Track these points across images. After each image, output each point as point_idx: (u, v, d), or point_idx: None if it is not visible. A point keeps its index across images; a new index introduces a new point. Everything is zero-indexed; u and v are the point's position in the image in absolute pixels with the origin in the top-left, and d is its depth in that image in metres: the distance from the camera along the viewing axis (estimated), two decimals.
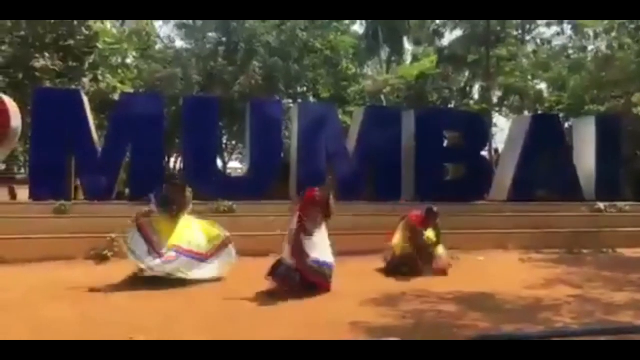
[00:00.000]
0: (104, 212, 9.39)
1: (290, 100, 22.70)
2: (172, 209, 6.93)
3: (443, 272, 7.53)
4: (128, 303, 5.69)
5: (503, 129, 24.65)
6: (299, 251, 6.19)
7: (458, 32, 24.97)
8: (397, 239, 7.75)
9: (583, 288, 6.67)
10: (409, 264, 7.49)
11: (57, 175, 10.28)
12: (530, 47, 23.62)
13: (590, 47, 19.35)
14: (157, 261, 6.52)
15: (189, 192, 7.23)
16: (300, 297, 5.99)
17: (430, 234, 7.81)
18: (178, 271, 6.56)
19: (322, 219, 6.49)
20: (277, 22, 20.94)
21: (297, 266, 6.17)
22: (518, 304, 5.80)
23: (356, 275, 7.20)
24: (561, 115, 18.11)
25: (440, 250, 7.79)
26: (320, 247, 6.33)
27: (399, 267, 7.48)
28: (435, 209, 7.94)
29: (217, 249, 6.92)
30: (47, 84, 14.67)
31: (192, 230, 6.93)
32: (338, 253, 7.39)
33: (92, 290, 6.22)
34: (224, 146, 23.64)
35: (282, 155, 12.25)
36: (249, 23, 20.90)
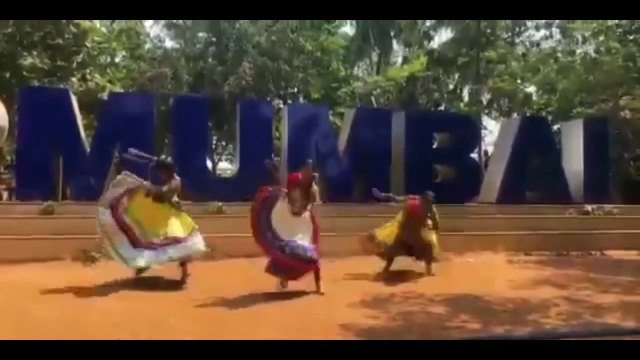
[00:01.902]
0: (91, 213, 9.26)
1: (281, 101, 22.69)
2: (158, 189, 6.57)
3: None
4: (116, 304, 5.62)
5: (492, 131, 24.83)
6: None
7: (448, 34, 25.08)
8: (389, 227, 7.76)
9: (571, 290, 6.70)
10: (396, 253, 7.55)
11: (44, 175, 10.18)
12: (519, 50, 23.75)
13: (578, 51, 19.48)
14: (149, 253, 6.37)
15: (177, 179, 6.74)
16: (289, 299, 5.96)
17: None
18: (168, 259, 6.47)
19: (304, 202, 6.26)
20: (267, 22, 20.91)
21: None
22: (506, 306, 5.81)
23: (345, 277, 7.20)
24: (550, 117, 18.24)
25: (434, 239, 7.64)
26: (299, 231, 6.21)
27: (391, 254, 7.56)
28: (430, 193, 7.80)
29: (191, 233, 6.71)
30: (35, 83, 14.52)
31: (171, 219, 6.64)
32: (327, 254, 7.39)
33: (79, 291, 6.16)
34: (213, 147, 23.53)
35: (273, 156, 12.20)
36: (239, 23, 20.86)
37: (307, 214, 6.30)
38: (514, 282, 7.12)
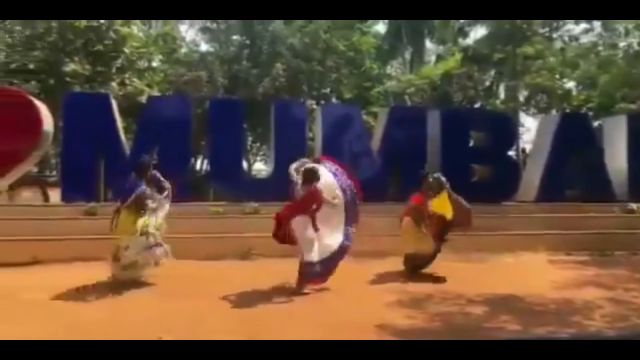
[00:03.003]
0: None
1: (314, 102, 22.74)
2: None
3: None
4: (156, 303, 5.75)
5: (530, 128, 24.29)
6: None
7: (483, 31, 24.64)
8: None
9: (616, 291, 6.51)
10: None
11: (87, 177, 10.50)
12: (558, 45, 23.16)
13: (621, 44, 18.85)
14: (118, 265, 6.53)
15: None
16: (325, 299, 5.99)
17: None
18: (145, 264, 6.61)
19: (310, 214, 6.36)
20: (300, 23, 21.02)
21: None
22: (548, 307, 5.69)
23: (381, 277, 7.17)
24: (590, 114, 17.73)
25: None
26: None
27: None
28: (433, 175, 7.60)
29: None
30: (77, 88, 14.99)
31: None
32: (362, 255, 7.40)
33: (121, 290, 6.33)
34: (248, 148, 23.78)
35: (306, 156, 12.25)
36: (272, 25, 21.02)
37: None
38: (556, 282, 6.96)
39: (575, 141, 12.09)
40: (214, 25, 22.32)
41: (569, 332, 4.78)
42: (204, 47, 24.31)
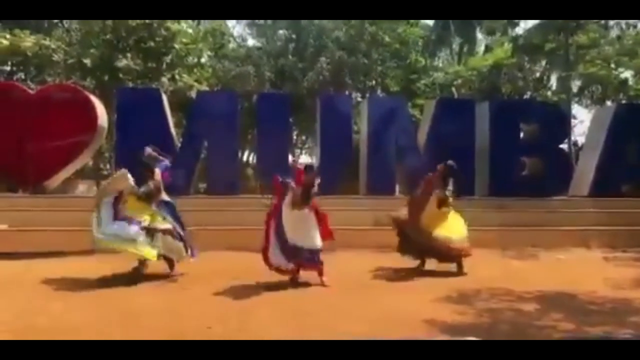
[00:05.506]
0: (182, 207, 9.77)
1: (359, 95, 22.67)
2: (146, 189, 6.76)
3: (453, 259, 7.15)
4: (206, 294, 5.86)
5: (583, 120, 23.45)
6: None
7: (534, 20, 23.91)
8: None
9: None
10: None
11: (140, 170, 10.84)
12: (614, 33, 22.17)
13: None
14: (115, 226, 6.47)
15: (156, 178, 6.96)
16: (372, 293, 6.00)
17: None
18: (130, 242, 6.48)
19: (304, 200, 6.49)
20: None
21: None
22: (604, 306, 5.51)
23: (428, 272, 7.12)
24: None
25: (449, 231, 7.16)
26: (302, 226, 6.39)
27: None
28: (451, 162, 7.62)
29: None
30: (129, 84, 15.48)
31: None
32: None
33: (169, 281, 6.55)
34: (294, 141, 23.98)
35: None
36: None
37: (306, 210, 6.49)
38: (611, 280, 6.73)
39: (631, 133, 11.62)
40: (261, 21, 22.57)
41: (627, 333, 4.62)
42: (250, 42, 24.66)
